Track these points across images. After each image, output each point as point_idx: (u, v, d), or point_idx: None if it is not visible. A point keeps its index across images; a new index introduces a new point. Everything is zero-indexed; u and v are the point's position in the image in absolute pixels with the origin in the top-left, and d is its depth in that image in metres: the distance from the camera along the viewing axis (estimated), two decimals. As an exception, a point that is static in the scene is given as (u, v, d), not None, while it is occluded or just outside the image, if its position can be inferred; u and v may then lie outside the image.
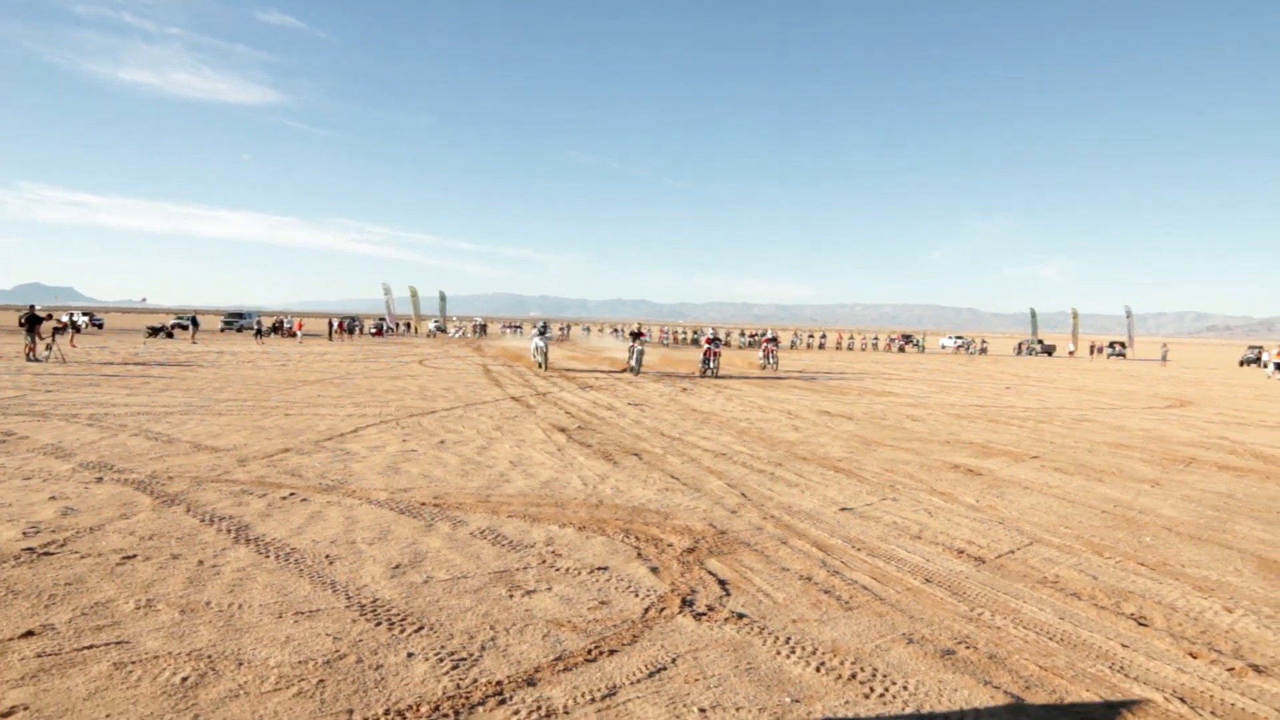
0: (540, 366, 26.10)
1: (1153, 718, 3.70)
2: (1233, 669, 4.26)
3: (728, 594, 5.15)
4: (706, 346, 26.44)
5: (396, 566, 5.50)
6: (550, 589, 5.14)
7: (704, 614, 4.78)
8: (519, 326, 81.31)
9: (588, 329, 75.91)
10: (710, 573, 5.56)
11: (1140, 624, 4.86)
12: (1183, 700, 3.87)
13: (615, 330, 60.63)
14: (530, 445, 10.76)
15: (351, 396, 16.33)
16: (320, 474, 8.52)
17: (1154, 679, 4.10)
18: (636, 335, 28.31)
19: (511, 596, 4.98)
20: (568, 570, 5.52)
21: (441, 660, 4.04)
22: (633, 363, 26.02)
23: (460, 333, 67.92)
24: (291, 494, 7.55)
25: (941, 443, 12.26)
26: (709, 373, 25.80)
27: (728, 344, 57.54)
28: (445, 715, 3.52)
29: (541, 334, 27.07)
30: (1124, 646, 4.49)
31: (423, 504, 7.31)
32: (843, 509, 7.66)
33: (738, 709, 3.66)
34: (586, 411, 14.87)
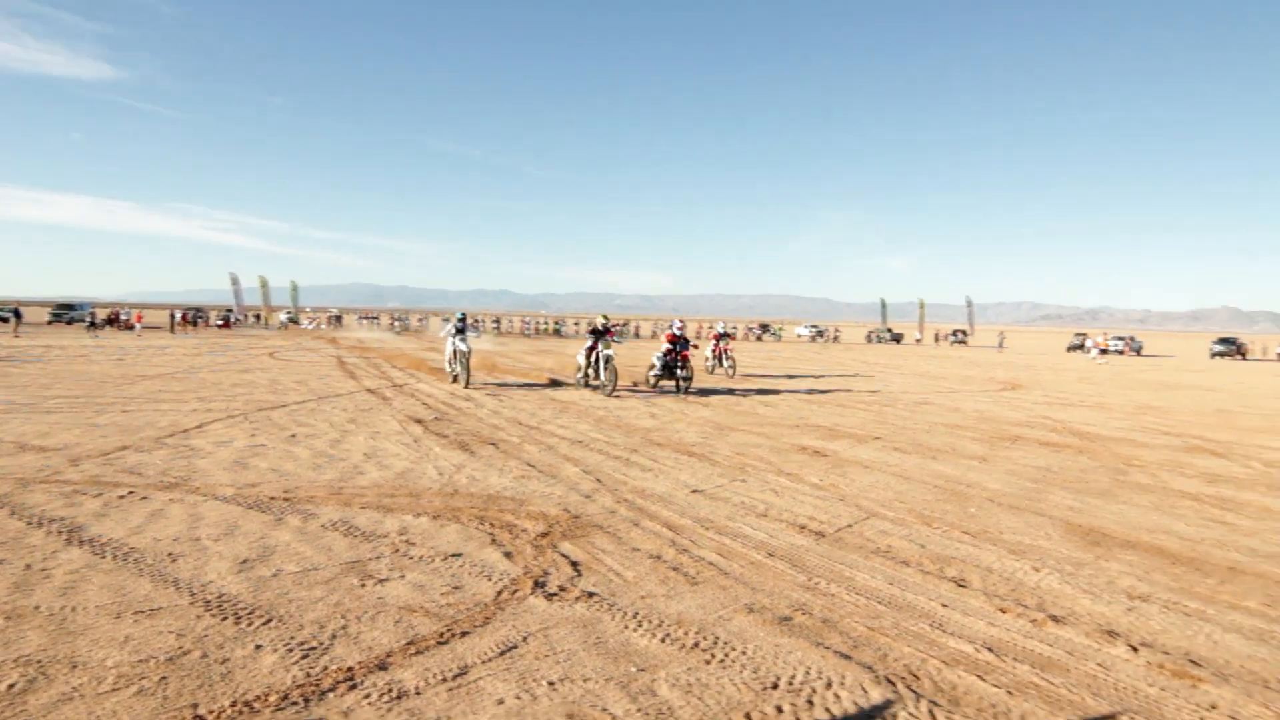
0: (456, 380, 18.04)
1: (964, 667, 4.10)
2: (1035, 620, 4.76)
3: (579, 574, 5.33)
4: (668, 346, 17.86)
5: (244, 561, 5.41)
6: (403, 577, 5.19)
7: (555, 594, 4.95)
8: (375, 317, 79.18)
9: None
10: (563, 555, 5.73)
11: (960, 586, 5.34)
12: (990, 650, 4.30)
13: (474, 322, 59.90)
14: (385, 437, 10.64)
15: (195, 391, 15.63)
16: (161, 471, 8.20)
17: (968, 633, 4.53)
18: (601, 333, 17.61)
19: (364, 586, 5.00)
20: (421, 558, 5.57)
21: (291, 650, 4.05)
22: (600, 377, 17.18)
23: (315, 324, 65.65)
24: (130, 492, 7.25)
25: (791, 426, 12.83)
26: (680, 387, 17.93)
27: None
28: (295, 703, 3.55)
29: (460, 331, 18.27)
30: (944, 606, 4.93)
31: (272, 498, 7.16)
32: (694, 491, 7.97)
33: (585, 680, 3.85)
34: (443, 402, 14.76)
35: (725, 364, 23.31)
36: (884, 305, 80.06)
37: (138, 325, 46.71)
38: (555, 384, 19.14)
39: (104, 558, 5.41)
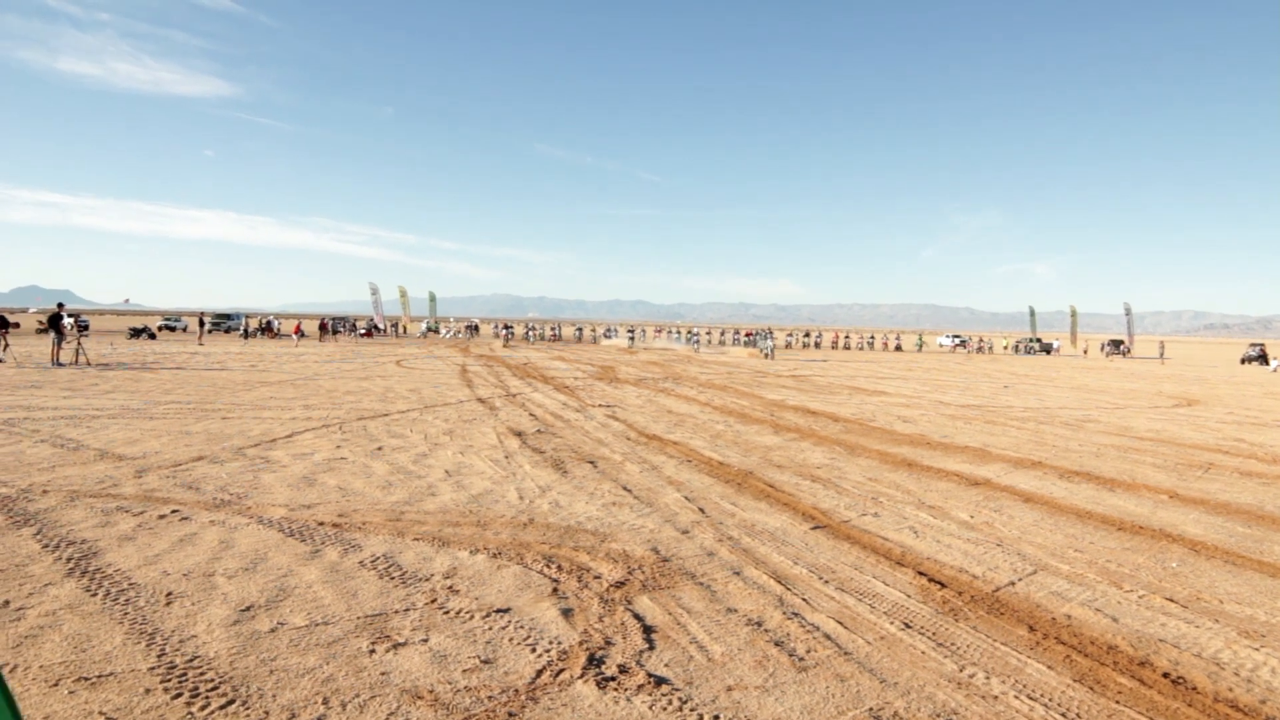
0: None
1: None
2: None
3: (651, 647, 4.08)
4: None
5: (247, 609, 4.43)
6: (426, 640, 4.07)
7: (612, 678, 3.71)
8: (510, 327, 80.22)
9: (612, 331, 74.22)
10: (636, 616, 4.50)
11: (1177, 686, 3.81)
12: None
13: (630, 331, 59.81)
14: (476, 452, 9.69)
15: (306, 398, 15.25)
16: (221, 486, 7.46)
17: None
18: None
19: (373, 652, 3.91)
20: (458, 613, 4.45)
21: (236, 755, 2.99)
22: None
23: (452, 333, 66.85)
24: (173, 511, 6.48)
25: (933, 447, 11.19)
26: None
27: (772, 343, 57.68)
28: None
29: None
30: None
31: (320, 524, 6.24)
32: (814, 528, 6.59)
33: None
34: (552, 413, 13.81)
35: None
36: (1032, 314, 75.17)
37: (295, 337, 48.45)
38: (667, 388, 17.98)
39: (95, 595, 4.55)
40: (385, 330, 66.22)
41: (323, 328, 53.48)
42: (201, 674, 3.63)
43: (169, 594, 4.62)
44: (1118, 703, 3.61)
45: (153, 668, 3.67)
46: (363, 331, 61.03)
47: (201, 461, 8.65)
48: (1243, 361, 53.87)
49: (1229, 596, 5.18)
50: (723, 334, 66.22)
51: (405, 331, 68.63)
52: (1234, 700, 3.68)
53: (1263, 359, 52.60)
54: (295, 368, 23.82)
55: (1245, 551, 6.25)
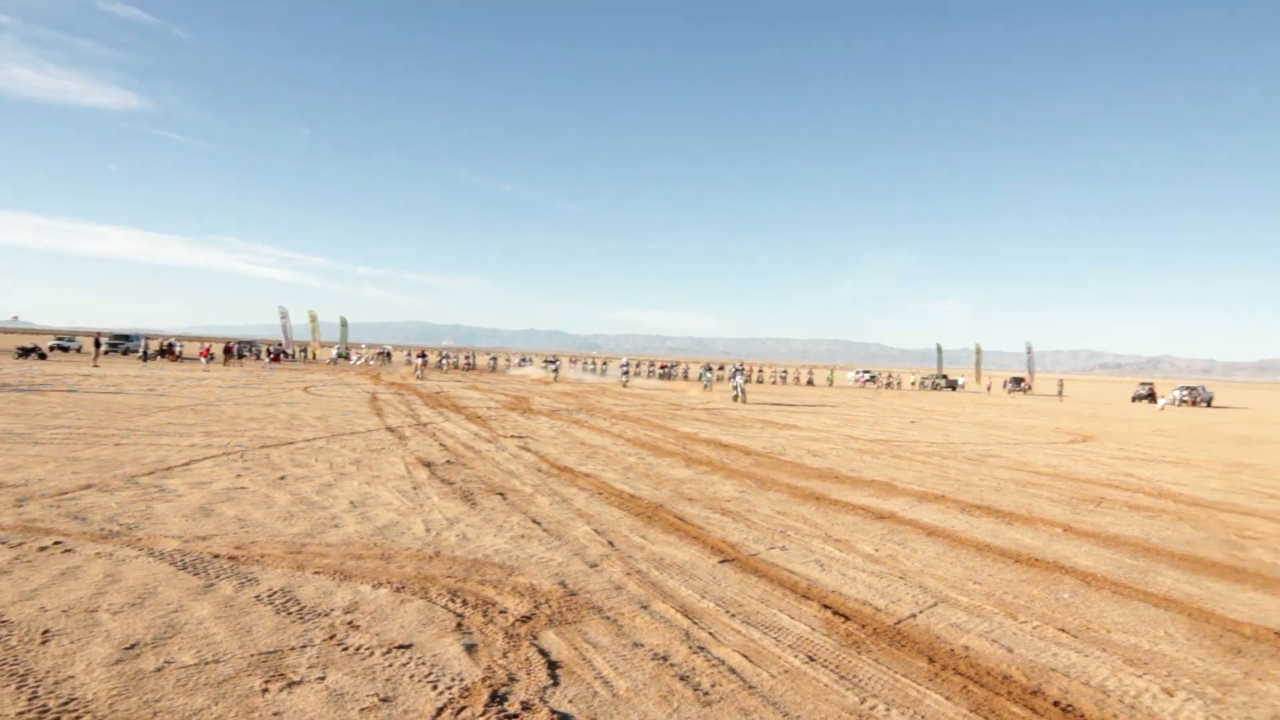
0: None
1: None
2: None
3: (555, 683, 4.03)
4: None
5: (131, 647, 4.22)
6: (323, 678, 3.94)
7: (514, 716, 3.66)
8: (425, 355, 79.05)
9: (527, 361, 73.80)
10: (541, 651, 4.44)
11: (1066, 715, 3.94)
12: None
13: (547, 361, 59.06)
14: (383, 482, 9.47)
15: (207, 425, 14.71)
16: (109, 517, 7.11)
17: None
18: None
19: (265, 691, 3.77)
20: (358, 649, 4.32)
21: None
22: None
23: (363, 360, 65.49)
24: (56, 543, 6.15)
25: (840, 481, 11.40)
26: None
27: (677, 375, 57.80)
28: None
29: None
30: None
31: (216, 556, 6.00)
32: (722, 561, 6.63)
33: None
34: (464, 444, 13.62)
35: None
36: (940, 351, 77.67)
37: (203, 360, 46.76)
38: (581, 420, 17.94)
39: (-38, 635, 4.28)
40: (294, 355, 64.50)
41: (228, 351, 51.82)
42: (77, 717, 3.44)
43: (45, 632, 4.37)
44: None
45: (22, 712, 3.47)
46: (270, 356, 59.37)
47: (90, 490, 8.24)
48: (1134, 400, 56.64)
49: (1116, 626, 5.39)
50: (637, 365, 66.42)
51: (315, 357, 66.93)
52: (1116, 729, 3.84)
53: (1151, 397, 55.41)
54: (197, 392, 22.98)
55: (1132, 582, 6.52)
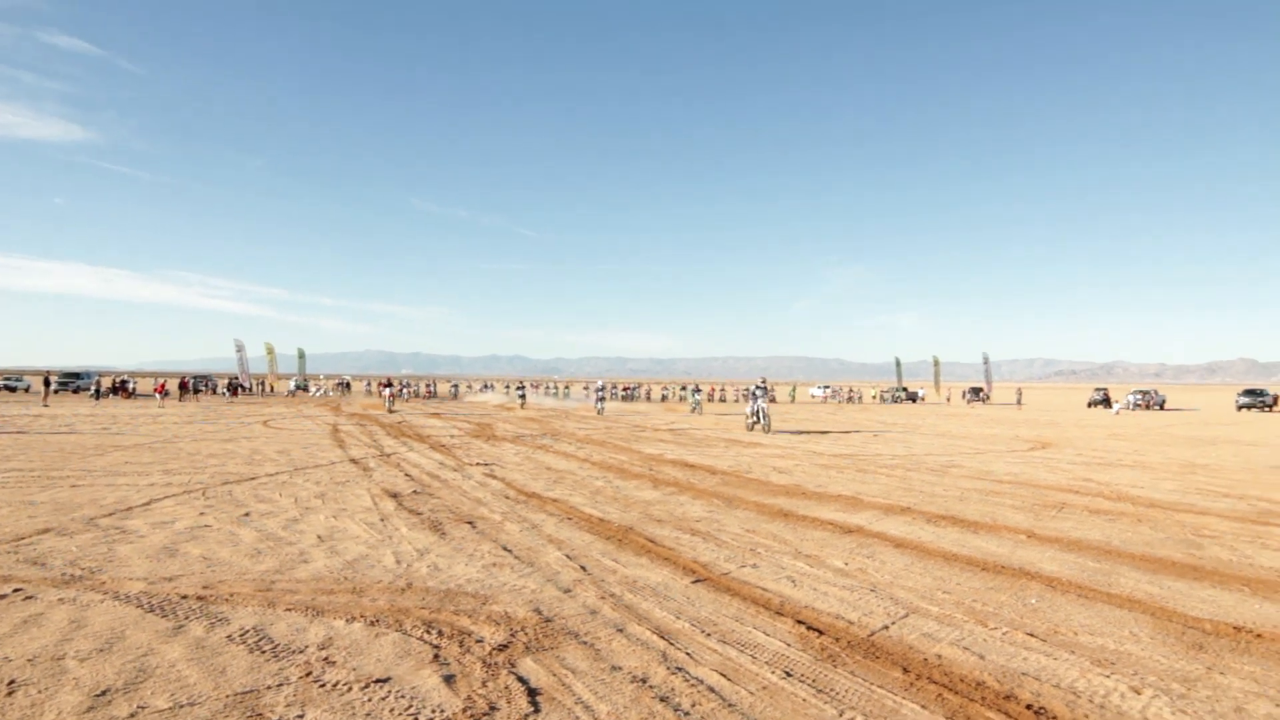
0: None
1: None
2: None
3: (537, 710, 4.04)
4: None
5: (102, 694, 4.15)
6: (302, 715, 3.90)
7: (497, 744, 3.66)
8: (391, 384, 78.25)
9: (489, 387, 73.50)
10: (520, 679, 4.44)
11: (1039, 718, 4.03)
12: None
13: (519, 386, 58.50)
14: (350, 515, 9.38)
15: (165, 463, 14.47)
16: (71, 561, 6.98)
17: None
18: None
19: (244, 732, 3.73)
20: (335, 686, 4.29)
21: None
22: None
23: (321, 391, 64.77)
24: (16, 590, 6.02)
25: (808, 496, 11.51)
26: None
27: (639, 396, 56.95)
28: None
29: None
30: None
31: (184, 597, 5.91)
32: (695, 581, 6.67)
33: None
34: (429, 473, 13.54)
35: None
36: (899, 364, 78.74)
37: (158, 396, 45.87)
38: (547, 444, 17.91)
39: (-75, 689, 4.18)
40: (251, 389, 63.58)
41: (183, 387, 50.91)
42: (52, 768, 3.38)
43: (11, 682, 4.28)
44: None
45: (-5, 764, 3.40)
46: (227, 391, 58.52)
47: (48, 534, 8.07)
48: (1089, 405, 57.92)
49: (1083, 628, 5.52)
50: (613, 387, 66.22)
51: (272, 390, 66.06)
52: None
53: (1106, 402, 56.70)
54: (153, 429, 22.58)
55: (1096, 585, 6.67)
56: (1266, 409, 52.27)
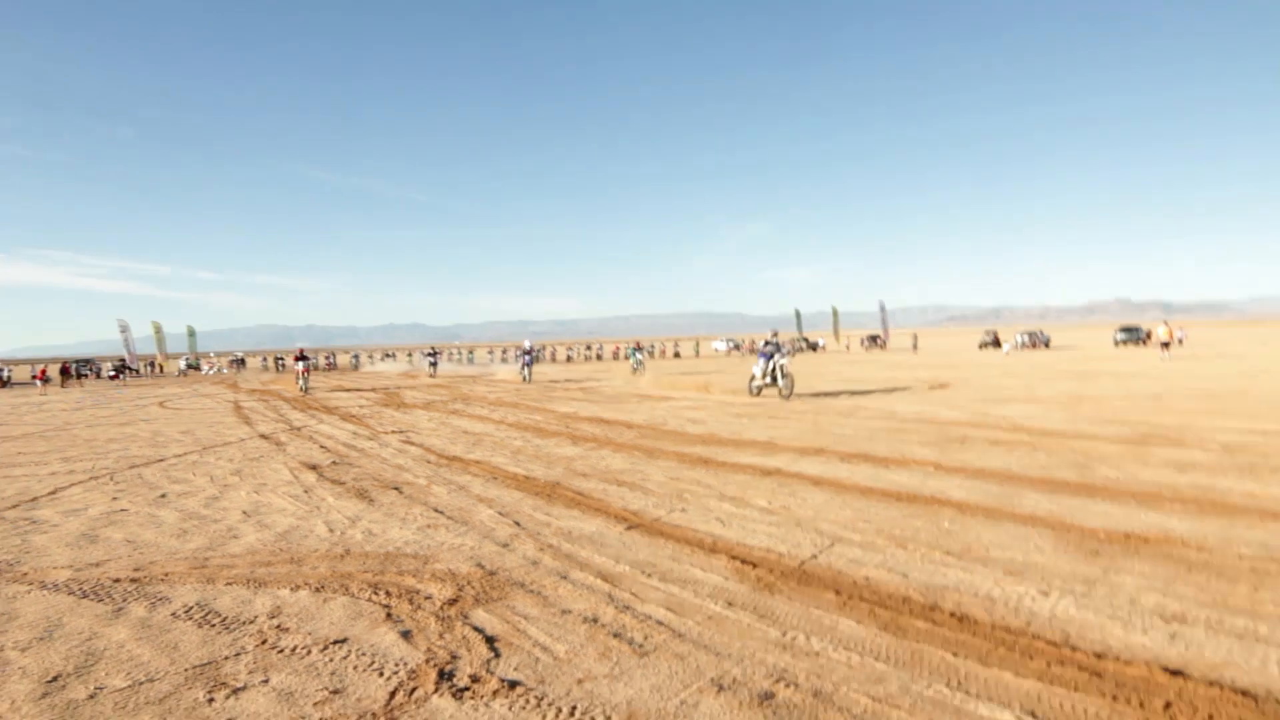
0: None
1: None
2: (1085, 668, 3.84)
3: (497, 655, 4.20)
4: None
5: (54, 679, 4.11)
6: (267, 680, 3.98)
7: (466, 688, 3.81)
8: (307, 357, 76.37)
9: (390, 356, 72.37)
10: (476, 629, 4.59)
11: (961, 623, 4.40)
12: (1034, 717, 3.35)
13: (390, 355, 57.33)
14: (272, 489, 9.27)
15: (62, 450, 13.89)
16: (-15, 554, 6.76)
17: (1002, 695, 3.58)
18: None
19: (212, 701, 3.78)
20: (294, 650, 4.36)
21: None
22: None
23: (215, 369, 62.55)
24: (-67, 588, 5.83)
25: (724, 444, 11.90)
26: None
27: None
28: None
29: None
30: (954, 655, 3.98)
31: (116, 580, 5.83)
32: (629, 528, 6.90)
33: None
34: (345, 444, 13.40)
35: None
36: (798, 315, 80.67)
37: (39, 384, 43.37)
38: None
39: None
40: (139, 370, 60.92)
41: (65, 372, 48.41)
42: (20, 750, 3.38)
43: (-46, 675, 4.21)
44: (919, 641, 4.18)
45: (-41, 752, 3.38)
46: (112, 373, 55.92)
47: (-48, 530, 7.76)
48: (981, 347, 60.69)
49: (993, 545, 5.98)
50: (505, 352, 65.86)
51: (162, 370, 63.44)
52: (1006, 625, 4.36)
53: (996, 344, 59.53)
54: (40, 418, 21.54)
55: (1001, 506, 7.20)
56: (1141, 343, 55.97)
